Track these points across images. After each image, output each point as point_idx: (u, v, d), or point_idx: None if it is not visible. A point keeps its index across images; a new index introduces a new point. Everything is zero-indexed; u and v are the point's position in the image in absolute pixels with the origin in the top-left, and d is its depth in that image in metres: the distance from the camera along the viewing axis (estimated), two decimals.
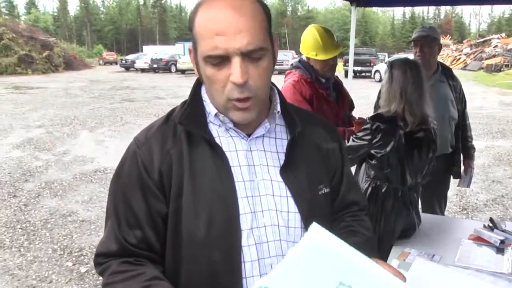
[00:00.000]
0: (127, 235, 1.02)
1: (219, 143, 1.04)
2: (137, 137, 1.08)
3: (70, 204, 5.25)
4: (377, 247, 1.17)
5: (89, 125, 10.28)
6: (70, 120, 10.89)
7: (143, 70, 32.59)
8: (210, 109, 1.06)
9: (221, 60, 0.93)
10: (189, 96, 1.09)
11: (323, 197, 1.11)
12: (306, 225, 1.06)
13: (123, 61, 37.20)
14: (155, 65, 31.80)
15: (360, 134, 2.35)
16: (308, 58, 2.72)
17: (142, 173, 1.02)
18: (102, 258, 1.05)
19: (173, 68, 31.19)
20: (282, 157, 1.07)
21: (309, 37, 2.69)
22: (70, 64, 33.91)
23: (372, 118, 2.32)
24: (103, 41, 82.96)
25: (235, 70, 0.92)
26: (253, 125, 1.06)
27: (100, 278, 1.05)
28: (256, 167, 1.06)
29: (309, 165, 1.10)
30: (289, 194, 1.06)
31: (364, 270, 0.84)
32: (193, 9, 0.99)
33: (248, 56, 0.93)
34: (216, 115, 1.04)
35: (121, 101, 14.80)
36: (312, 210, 1.07)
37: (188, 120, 1.03)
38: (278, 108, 1.08)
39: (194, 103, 1.08)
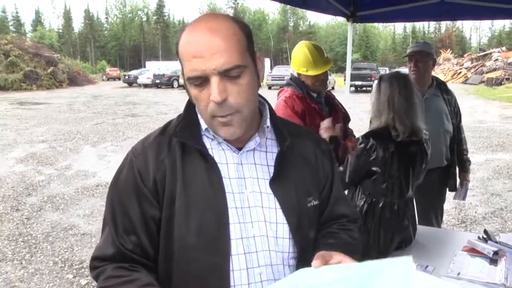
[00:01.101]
0: (123, 240, 1.06)
1: (211, 154, 1.08)
2: (134, 147, 1.14)
3: (71, 217, 5.29)
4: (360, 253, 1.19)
5: (91, 140, 10.37)
6: (73, 135, 10.99)
7: (145, 86, 32.76)
8: (202, 123, 1.10)
9: (202, 81, 0.98)
10: (184, 109, 1.14)
11: (312, 209, 1.14)
12: (294, 236, 1.10)
13: (126, 77, 37.36)
14: (157, 81, 31.90)
15: (356, 154, 2.35)
16: (299, 74, 2.79)
17: (137, 181, 1.07)
18: (98, 262, 1.09)
19: (175, 84, 31.27)
20: (272, 169, 1.11)
21: (300, 54, 2.76)
22: (74, 80, 34.21)
23: (365, 136, 2.34)
24: (106, 57, 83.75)
25: (213, 90, 0.97)
26: (244, 139, 1.10)
27: None
28: (246, 180, 1.09)
29: (298, 177, 1.13)
30: (278, 206, 1.09)
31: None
32: (178, 33, 1.05)
33: (225, 75, 0.97)
34: (206, 129, 1.09)
35: (124, 117, 14.92)
36: (301, 222, 1.10)
37: (182, 132, 1.08)
38: (268, 123, 1.12)
39: (188, 116, 1.12)
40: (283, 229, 1.09)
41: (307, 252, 1.11)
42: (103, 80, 45.71)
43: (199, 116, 1.11)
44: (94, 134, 11.14)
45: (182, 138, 1.08)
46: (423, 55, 3.03)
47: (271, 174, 1.11)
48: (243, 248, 1.05)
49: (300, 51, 2.76)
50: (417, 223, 2.53)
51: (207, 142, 1.10)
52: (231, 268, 1.04)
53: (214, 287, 1.04)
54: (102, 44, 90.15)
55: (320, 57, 2.73)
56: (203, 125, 1.09)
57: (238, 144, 1.10)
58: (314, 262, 0.98)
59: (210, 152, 1.09)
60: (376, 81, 2.50)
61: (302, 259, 1.10)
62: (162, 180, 1.07)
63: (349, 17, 3.86)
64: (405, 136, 2.26)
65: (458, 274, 1.96)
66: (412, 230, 2.41)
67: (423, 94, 3.04)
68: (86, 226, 5.00)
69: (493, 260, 2.06)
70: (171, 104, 19.39)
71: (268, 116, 1.14)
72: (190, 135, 1.08)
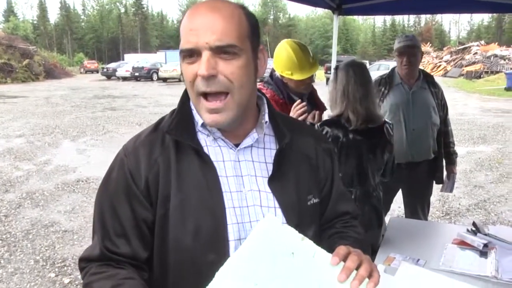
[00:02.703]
0: (111, 243, 1.03)
1: (207, 152, 1.04)
2: (125, 145, 1.09)
3: (52, 214, 5.16)
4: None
5: (70, 134, 10.15)
6: (51, 130, 10.73)
7: (124, 79, 32.30)
8: (198, 118, 1.06)
9: (193, 55, 0.96)
10: (178, 104, 1.09)
11: (312, 208, 1.11)
12: None
13: (105, 70, 36.80)
14: (136, 74, 31.53)
15: None
16: (282, 76, 2.53)
17: (128, 181, 1.02)
18: (83, 263, 1.06)
19: (154, 77, 30.94)
20: (271, 167, 1.07)
21: (283, 55, 2.50)
22: (50, 73, 33.46)
23: (321, 125, 2.34)
24: (84, 50, 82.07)
25: (202, 63, 0.94)
26: (241, 135, 1.06)
27: None
28: (244, 178, 1.05)
29: (298, 175, 1.10)
30: (277, 205, 1.06)
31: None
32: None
33: (218, 52, 0.95)
34: (203, 124, 1.05)
35: (103, 110, 14.65)
36: (301, 220, 1.07)
37: (176, 129, 1.04)
38: (266, 118, 1.08)
39: (182, 112, 1.08)
40: None
41: None
42: (81, 73, 44.86)
43: (194, 112, 1.06)
44: (73, 128, 10.90)
45: (176, 135, 1.03)
46: (415, 50, 3.01)
47: (270, 172, 1.06)
48: None
49: (284, 53, 2.50)
50: (382, 212, 2.52)
51: (202, 138, 1.06)
52: None
53: None
54: (79, 36, 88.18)
55: (306, 58, 2.49)
56: (199, 121, 1.05)
57: (235, 140, 1.06)
58: (333, 259, 0.93)
59: (205, 149, 1.04)
60: (333, 71, 2.47)
61: None
62: (155, 180, 1.02)
63: (334, 10, 3.84)
64: (359, 124, 2.28)
65: (450, 267, 1.96)
66: (376, 218, 2.41)
67: (411, 87, 3.05)
68: (68, 222, 4.88)
69: (483, 252, 2.06)
70: (151, 97, 19.12)
71: (267, 111, 1.10)
72: (184, 132, 1.04)
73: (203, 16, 0.96)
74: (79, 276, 1.10)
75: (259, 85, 2.69)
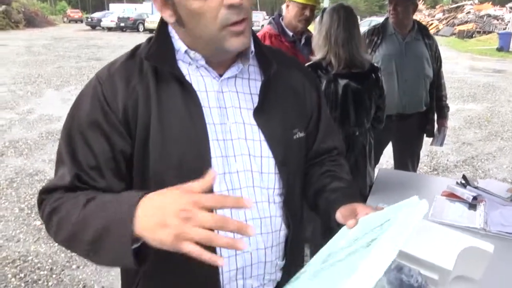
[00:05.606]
0: (84, 173, 0.93)
1: (189, 81, 0.97)
2: (98, 73, 0.99)
3: (36, 163, 5.08)
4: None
5: (54, 84, 9.87)
6: (33, 79, 10.42)
7: (110, 29, 31.33)
8: (179, 45, 0.98)
9: None
10: (155, 32, 1.01)
11: (297, 142, 1.07)
12: (280, 170, 1.02)
13: (89, 19, 35.56)
14: (122, 24, 30.67)
15: None
16: (287, 6, 2.69)
17: (104, 108, 0.93)
18: (45, 195, 0.95)
19: (141, 27, 30.15)
20: (256, 98, 1.02)
21: None
22: (31, 21, 32.06)
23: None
24: None
25: None
26: (225, 65, 1.00)
27: None
28: (228, 109, 1.00)
29: (283, 108, 1.05)
30: (262, 138, 1.01)
31: None
32: None
33: None
34: (186, 52, 0.97)
35: (88, 60, 14.23)
36: (287, 155, 1.03)
37: (156, 56, 0.96)
38: (252, 47, 1.02)
39: (161, 39, 0.99)
40: (268, 163, 1.01)
41: (293, 188, 1.05)
42: (64, 22, 43.23)
43: (174, 39, 0.98)
44: (56, 78, 10.60)
45: (156, 62, 0.95)
46: None
47: (255, 104, 1.01)
48: (225, 185, 0.96)
49: None
50: (367, 161, 2.50)
51: (184, 67, 0.98)
52: None
53: None
54: None
55: None
56: (182, 47, 0.97)
57: (218, 70, 0.99)
58: (349, 223, 0.93)
59: (187, 78, 0.97)
60: (320, 13, 2.44)
61: (288, 196, 1.03)
62: (133, 109, 0.93)
63: None
64: (341, 68, 2.25)
65: (440, 219, 1.96)
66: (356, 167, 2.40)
67: (404, 37, 2.99)
68: (53, 171, 4.76)
69: (472, 205, 2.07)
70: None
71: (252, 41, 1.02)
72: (164, 59, 0.96)
73: None
74: None
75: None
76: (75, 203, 0.87)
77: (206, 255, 0.69)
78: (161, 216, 0.72)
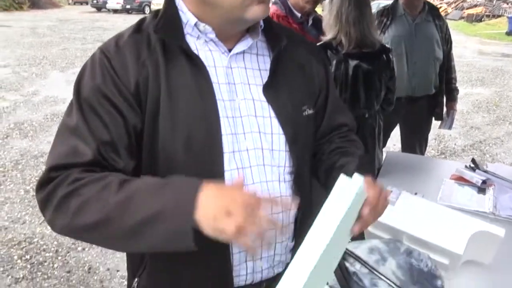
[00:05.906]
0: (105, 150, 0.88)
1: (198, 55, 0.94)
2: (104, 47, 0.95)
3: (41, 145, 5.08)
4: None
5: (59, 65, 9.84)
6: (38, 60, 10.37)
7: (115, 11, 31.11)
8: (188, 18, 0.94)
9: None
10: (163, 5, 0.98)
11: (306, 119, 1.05)
12: (291, 148, 0.99)
13: (95, 1, 35.30)
14: (128, 6, 30.35)
15: None
16: None
17: (116, 81, 0.89)
18: (55, 172, 0.86)
19: (147, 10, 29.82)
20: (265, 74, 0.99)
21: None
22: (36, 2, 31.84)
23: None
24: None
25: None
26: (234, 39, 0.97)
27: None
28: (236, 86, 0.97)
29: (292, 84, 1.02)
30: (272, 114, 0.98)
31: None
32: None
33: None
34: (196, 24, 0.93)
35: (93, 42, 14.13)
36: (297, 132, 1.00)
37: (165, 29, 0.92)
38: (261, 22, 0.99)
39: (169, 12, 0.96)
40: (279, 140, 0.98)
41: (303, 167, 1.03)
42: (69, 4, 42.99)
43: (182, 12, 0.95)
44: (61, 59, 10.55)
45: (164, 35, 0.91)
46: None
47: (264, 79, 0.98)
48: (235, 163, 0.94)
49: None
50: (375, 144, 2.48)
51: (192, 42, 0.95)
52: None
53: None
54: None
55: None
56: (191, 20, 0.93)
57: (227, 45, 0.96)
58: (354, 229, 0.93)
59: (196, 53, 0.93)
60: None
61: (298, 175, 1.01)
62: (144, 85, 0.90)
63: None
64: (351, 48, 2.22)
65: (449, 202, 1.93)
66: (370, 148, 2.38)
67: (414, 18, 2.92)
68: None
69: (481, 189, 2.04)
70: None
71: None
72: (173, 32, 0.92)
73: None
74: None
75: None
76: (105, 185, 0.81)
77: (257, 251, 0.78)
78: (229, 206, 0.74)
